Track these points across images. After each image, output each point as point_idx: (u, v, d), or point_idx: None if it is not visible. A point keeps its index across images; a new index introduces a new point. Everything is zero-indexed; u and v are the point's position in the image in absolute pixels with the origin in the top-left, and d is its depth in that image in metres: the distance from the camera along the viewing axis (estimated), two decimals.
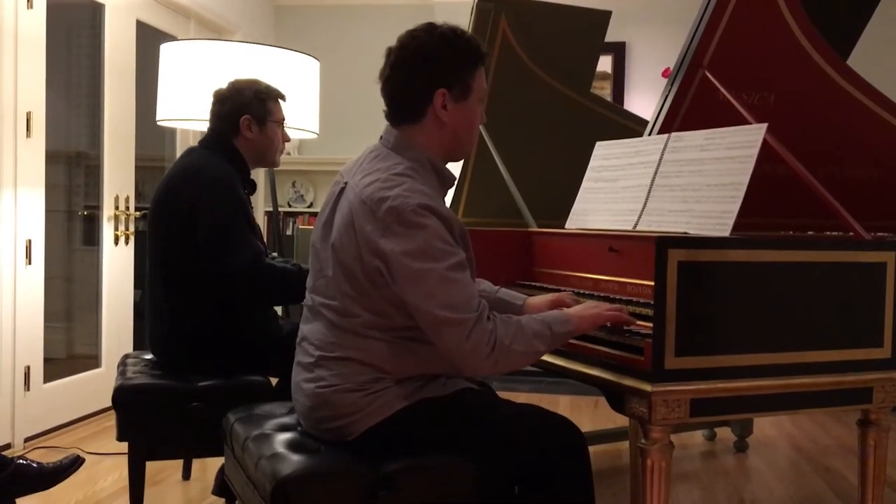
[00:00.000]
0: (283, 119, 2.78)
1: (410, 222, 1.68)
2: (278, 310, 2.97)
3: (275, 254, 3.10)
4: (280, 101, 2.77)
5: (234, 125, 2.66)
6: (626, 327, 1.86)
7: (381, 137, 1.90)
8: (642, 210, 2.21)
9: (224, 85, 2.75)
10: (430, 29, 1.83)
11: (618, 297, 2.10)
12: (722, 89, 2.39)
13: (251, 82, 2.73)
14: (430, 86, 1.80)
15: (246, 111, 2.65)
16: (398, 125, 1.86)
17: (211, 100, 2.73)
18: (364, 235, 1.72)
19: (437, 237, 1.69)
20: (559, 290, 2.28)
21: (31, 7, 3.68)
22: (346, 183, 1.86)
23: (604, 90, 5.58)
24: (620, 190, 2.34)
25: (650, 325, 1.97)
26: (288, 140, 2.83)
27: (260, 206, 5.89)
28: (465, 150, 1.95)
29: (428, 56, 1.80)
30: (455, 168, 2.87)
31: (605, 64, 5.55)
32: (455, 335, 1.67)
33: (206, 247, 2.49)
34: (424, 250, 1.68)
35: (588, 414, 4.43)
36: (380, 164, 1.82)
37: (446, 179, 1.90)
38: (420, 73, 1.80)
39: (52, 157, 3.92)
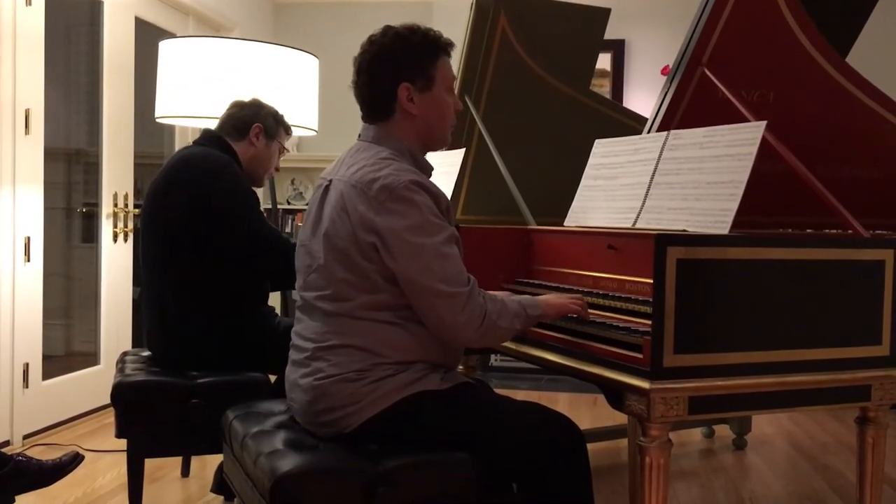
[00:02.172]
0: (285, 149, 2.89)
1: (403, 198, 1.76)
2: (277, 308, 2.98)
3: None
4: (287, 134, 2.89)
5: (245, 130, 2.75)
6: (586, 318, 1.97)
7: (360, 136, 1.98)
8: (641, 208, 2.21)
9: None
10: (385, 30, 1.93)
11: (611, 293, 2.10)
12: (721, 87, 2.38)
13: (272, 106, 2.86)
14: (392, 82, 1.89)
15: (261, 122, 2.77)
16: (373, 122, 1.95)
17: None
18: (358, 215, 1.78)
19: (429, 211, 1.78)
20: (559, 288, 2.28)
21: (30, 4, 3.68)
22: (330, 181, 1.92)
23: (603, 88, 5.58)
24: (619, 187, 2.34)
25: (609, 314, 2.00)
26: (278, 170, 2.94)
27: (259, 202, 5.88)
28: (441, 138, 2.01)
29: (385, 55, 1.90)
30: (453, 165, 2.87)
31: (604, 61, 5.55)
32: (451, 308, 1.75)
33: (225, 233, 2.52)
34: (420, 225, 1.75)
35: (587, 411, 4.44)
36: (363, 154, 1.89)
37: (424, 168, 1.96)
38: (380, 71, 1.90)
39: (50, 155, 3.91)
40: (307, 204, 6.42)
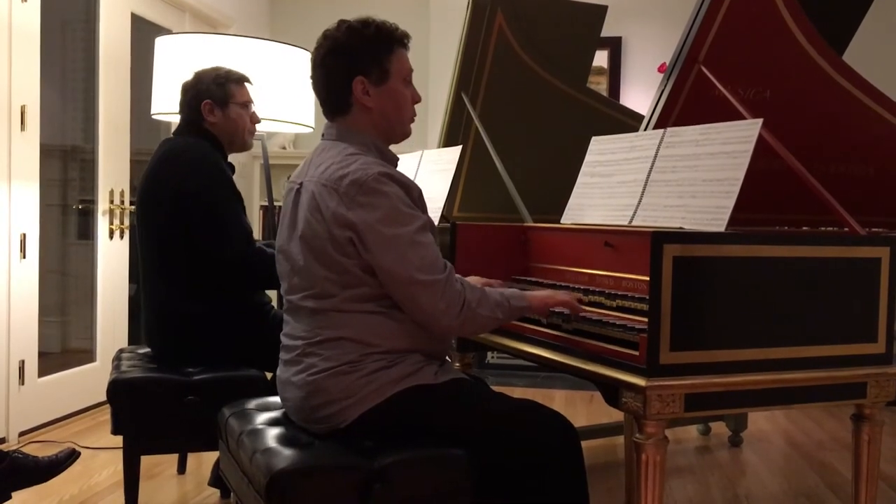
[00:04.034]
0: (249, 101, 2.80)
1: (373, 190, 1.77)
2: (273, 301, 2.98)
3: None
4: (246, 84, 2.79)
5: (198, 112, 2.71)
6: (579, 314, 1.96)
7: (323, 135, 1.98)
8: (638, 205, 2.21)
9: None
10: (339, 25, 1.94)
11: (607, 291, 2.10)
12: (718, 85, 2.39)
13: (212, 69, 2.78)
14: (346, 76, 1.90)
15: (205, 96, 2.71)
16: (333, 119, 1.96)
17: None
18: (330, 212, 1.79)
19: (400, 201, 1.78)
20: (555, 286, 2.28)
21: (25, 1, 3.66)
22: (300, 183, 1.92)
23: (600, 85, 5.58)
24: (616, 185, 2.34)
25: (605, 312, 2.00)
26: (257, 121, 2.85)
27: (255, 199, 5.88)
28: (400, 130, 1.99)
29: (338, 49, 1.90)
30: (450, 162, 2.87)
31: (601, 59, 5.54)
32: (429, 295, 1.76)
33: (201, 228, 2.53)
34: (392, 216, 1.76)
35: (583, 408, 4.44)
36: (329, 152, 1.90)
37: (390, 160, 1.97)
38: (334, 66, 1.91)
39: (46, 151, 3.90)
40: None
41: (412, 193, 1.83)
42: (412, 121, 2.01)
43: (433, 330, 1.85)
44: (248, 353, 2.60)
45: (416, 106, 2.01)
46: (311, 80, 1.96)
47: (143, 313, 2.72)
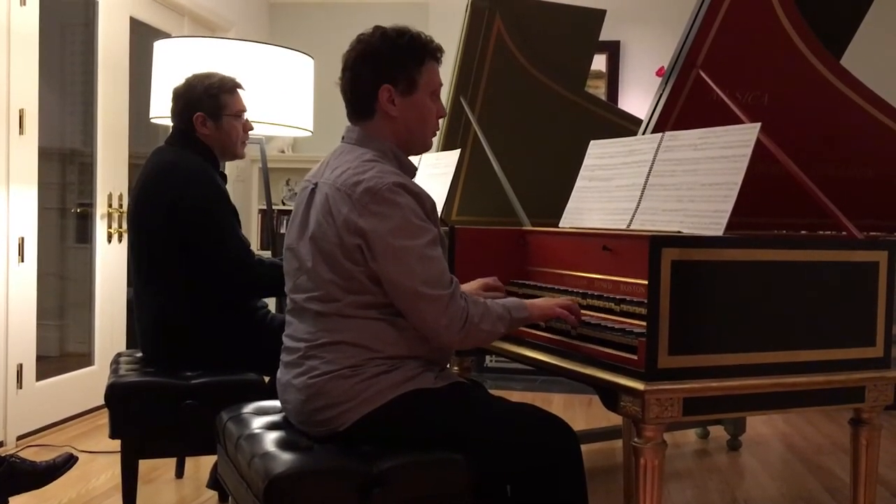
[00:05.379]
0: (242, 110, 2.74)
1: (387, 200, 1.76)
2: (271, 305, 2.98)
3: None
4: (238, 90, 2.73)
5: (191, 125, 2.65)
6: (574, 324, 1.95)
7: (343, 137, 1.97)
8: (636, 209, 2.22)
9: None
10: (374, 30, 1.93)
11: (605, 294, 2.10)
12: (716, 88, 2.39)
13: (203, 77, 2.70)
14: (374, 82, 1.89)
15: (197, 109, 2.64)
16: (356, 122, 1.96)
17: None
18: (342, 217, 1.78)
19: (412, 213, 1.78)
20: (554, 290, 2.29)
21: (24, 4, 3.67)
22: (315, 183, 1.92)
23: (598, 89, 5.58)
24: (614, 189, 2.34)
25: (603, 315, 2.00)
26: (250, 129, 2.80)
27: (254, 204, 5.88)
28: (421, 142, 1.99)
29: (371, 55, 1.90)
30: (448, 166, 2.87)
31: (599, 63, 5.55)
32: (433, 310, 1.76)
33: (195, 239, 2.52)
34: (403, 228, 1.76)
35: (582, 412, 4.44)
36: (347, 156, 1.89)
37: (408, 169, 1.96)
38: (364, 71, 1.90)
39: (45, 155, 3.91)
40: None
41: (425, 205, 1.82)
42: (434, 134, 2.01)
43: (434, 343, 1.85)
44: (244, 357, 2.59)
45: None
46: (339, 81, 1.95)
47: (137, 322, 2.71)
